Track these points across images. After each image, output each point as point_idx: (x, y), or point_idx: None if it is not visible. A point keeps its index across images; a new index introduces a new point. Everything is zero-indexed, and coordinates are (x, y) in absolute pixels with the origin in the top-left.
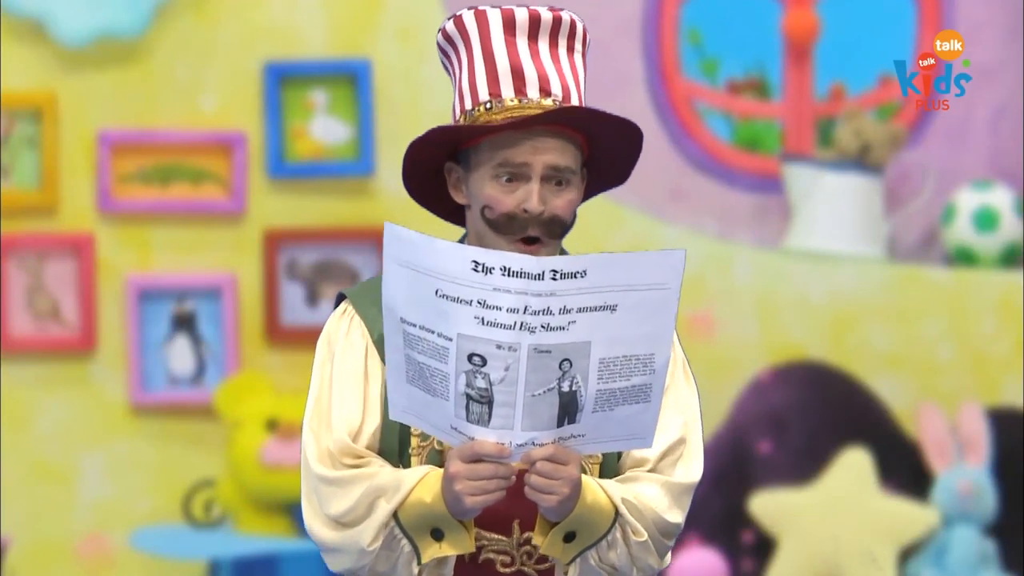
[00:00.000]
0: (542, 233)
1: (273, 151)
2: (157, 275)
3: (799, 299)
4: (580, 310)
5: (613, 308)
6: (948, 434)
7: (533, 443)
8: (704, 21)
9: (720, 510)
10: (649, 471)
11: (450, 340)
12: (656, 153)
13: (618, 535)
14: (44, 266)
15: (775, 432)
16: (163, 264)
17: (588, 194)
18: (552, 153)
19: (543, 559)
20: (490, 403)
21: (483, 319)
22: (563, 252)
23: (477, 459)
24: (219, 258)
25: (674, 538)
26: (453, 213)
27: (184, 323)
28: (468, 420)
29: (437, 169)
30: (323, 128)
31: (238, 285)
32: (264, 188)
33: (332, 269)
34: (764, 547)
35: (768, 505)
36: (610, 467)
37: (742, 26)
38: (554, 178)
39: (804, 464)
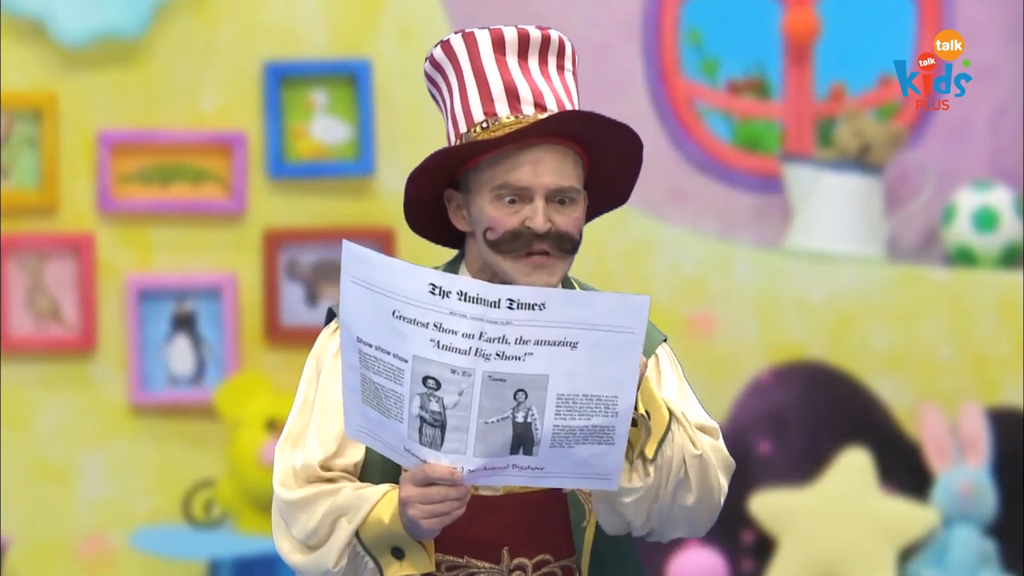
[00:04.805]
0: (551, 247)
1: (273, 151)
2: (157, 275)
3: (799, 299)
4: (538, 343)
5: (574, 345)
6: (948, 434)
7: (485, 469)
8: (704, 21)
9: (720, 510)
10: None
11: (405, 361)
12: (656, 153)
13: (675, 427)
14: (44, 266)
15: (775, 432)
16: (163, 264)
17: (590, 215)
18: (553, 172)
19: None
20: (443, 427)
21: (439, 342)
22: (567, 281)
23: (429, 483)
24: (219, 258)
25: (724, 471)
26: (454, 240)
27: (184, 323)
28: (421, 443)
29: (437, 197)
30: (323, 128)
31: (238, 285)
32: (264, 188)
33: (332, 269)
34: (764, 547)
35: (768, 505)
36: None
37: (742, 26)
38: (557, 197)
39: (804, 464)
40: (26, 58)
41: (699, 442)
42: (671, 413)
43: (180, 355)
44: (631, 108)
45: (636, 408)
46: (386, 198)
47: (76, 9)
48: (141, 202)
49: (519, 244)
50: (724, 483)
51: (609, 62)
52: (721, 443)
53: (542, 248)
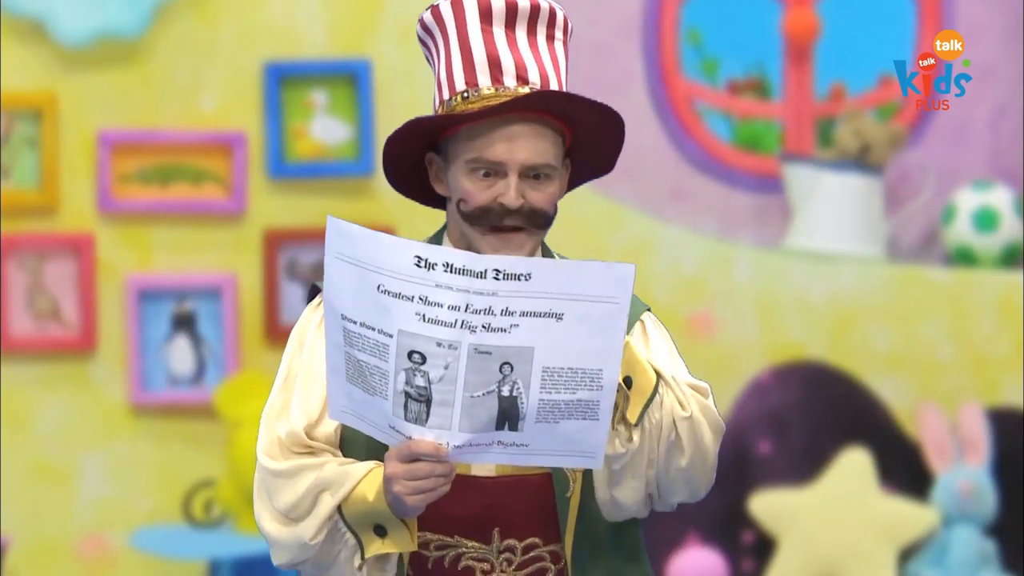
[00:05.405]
0: (524, 223)
1: (273, 151)
2: (157, 275)
3: (799, 299)
4: (523, 314)
5: (559, 316)
6: (948, 434)
7: (471, 445)
8: (704, 21)
9: (720, 510)
10: None
11: (391, 337)
12: (656, 153)
13: (663, 390)
14: (44, 266)
15: (775, 432)
16: (163, 264)
17: (573, 183)
18: (528, 148)
19: (523, 565)
20: (428, 402)
21: (424, 316)
22: (548, 251)
23: (415, 459)
24: (219, 258)
25: (715, 432)
26: (440, 201)
27: (184, 323)
28: (406, 419)
29: (419, 158)
30: (323, 128)
31: (238, 285)
32: (264, 188)
33: None
34: (764, 547)
35: (768, 505)
36: None
37: (742, 26)
38: (532, 173)
39: (804, 464)
40: (26, 58)
41: (688, 403)
42: (659, 376)
43: (180, 355)
44: (631, 108)
45: None
46: (386, 198)
47: (76, 9)
48: (141, 202)
49: (490, 218)
50: (714, 444)
51: (609, 62)
52: (711, 402)
53: (514, 224)
